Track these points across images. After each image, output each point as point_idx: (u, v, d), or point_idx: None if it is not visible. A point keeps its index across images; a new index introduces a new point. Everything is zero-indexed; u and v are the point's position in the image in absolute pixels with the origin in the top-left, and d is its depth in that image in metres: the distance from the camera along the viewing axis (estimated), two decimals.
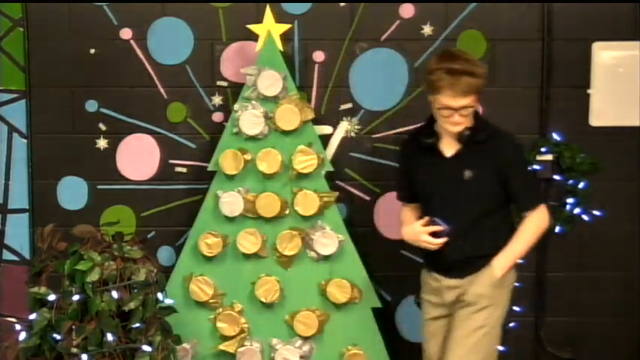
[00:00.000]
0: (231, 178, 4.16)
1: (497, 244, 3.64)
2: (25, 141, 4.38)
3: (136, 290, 3.87)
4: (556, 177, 4.30)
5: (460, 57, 3.56)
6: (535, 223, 3.65)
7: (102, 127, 4.34)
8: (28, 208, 4.41)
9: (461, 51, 3.70)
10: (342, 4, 4.30)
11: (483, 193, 3.61)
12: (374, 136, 4.37)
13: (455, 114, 3.52)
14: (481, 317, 3.62)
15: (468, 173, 3.59)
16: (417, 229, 3.65)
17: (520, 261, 3.73)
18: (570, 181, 4.32)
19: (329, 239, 4.14)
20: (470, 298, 3.62)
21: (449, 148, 3.63)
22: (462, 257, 3.61)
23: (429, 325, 3.79)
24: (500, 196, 3.62)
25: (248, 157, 4.14)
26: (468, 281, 3.64)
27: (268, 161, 4.12)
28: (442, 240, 3.59)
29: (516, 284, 4.32)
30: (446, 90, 3.49)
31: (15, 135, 4.37)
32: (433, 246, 3.61)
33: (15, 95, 4.35)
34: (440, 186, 3.63)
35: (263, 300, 4.15)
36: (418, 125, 3.79)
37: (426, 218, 3.63)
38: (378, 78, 4.33)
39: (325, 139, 4.32)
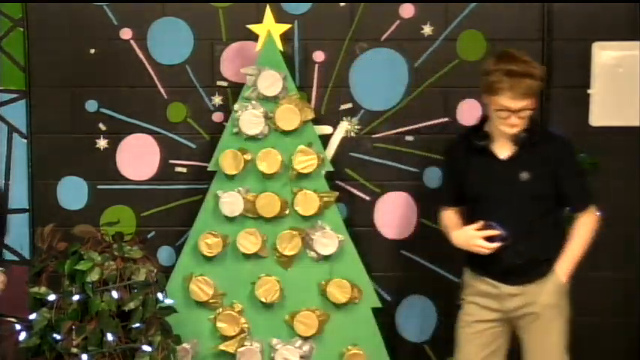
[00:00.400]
0: (231, 178, 4.16)
1: (553, 247, 3.63)
2: (25, 141, 4.37)
3: (136, 290, 3.87)
4: None
5: (519, 58, 3.54)
6: (589, 224, 3.66)
7: (102, 127, 4.34)
8: (28, 208, 4.41)
9: (518, 52, 3.63)
10: (342, 4, 4.30)
11: (539, 195, 3.59)
12: (374, 136, 4.37)
13: (512, 116, 3.50)
14: (557, 329, 3.62)
15: (524, 175, 3.57)
16: (470, 234, 3.61)
17: None
18: None
19: (329, 239, 4.14)
20: (539, 310, 3.61)
21: (503, 149, 3.61)
22: (520, 261, 3.58)
23: (472, 326, 3.71)
24: (554, 198, 3.62)
25: (248, 157, 4.14)
26: (532, 290, 3.61)
27: (268, 161, 4.12)
28: (496, 245, 3.55)
29: None
30: (506, 92, 3.46)
31: (15, 135, 4.37)
32: (486, 251, 3.56)
33: (15, 95, 4.35)
34: (493, 188, 3.61)
35: (263, 300, 4.15)
36: (467, 127, 3.78)
37: (481, 222, 3.59)
38: (378, 78, 4.33)
39: (325, 139, 4.32)
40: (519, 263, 3.59)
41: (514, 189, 3.58)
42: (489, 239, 3.57)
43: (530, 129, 3.58)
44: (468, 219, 3.71)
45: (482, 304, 3.70)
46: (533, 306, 3.62)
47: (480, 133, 3.65)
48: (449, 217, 3.82)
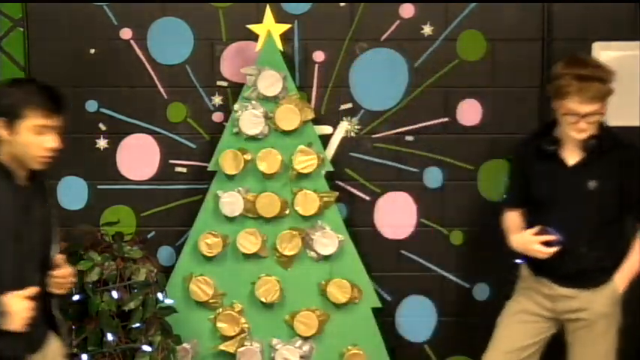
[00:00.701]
0: (231, 178, 4.16)
1: (614, 257, 3.60)
2: None
3: (136, 290, 3.87)
4: None
5: (589, 63, 3.52)
6: None
7: (102, 127, 4.34)
8: None
9: (588, 57, 3.60)
10: (342, 4, 4.30)
11: (606, 204, 3.55)
12: (374, 136, 4.37)
13: (581, 120, 3.46)
14: (608, 339, 3.60)
15: (592, 184, 3.53)
16: (527, 238, 3.57)
17: None
18: None
19: (329, 239, 4.14)
20: (592, 317, 3.58)
21: (571, 156, 3.57)
22: (581, 268, 3.55)
23: (519, 315, 3.68)
24: (620, 207, 3.58)
25: (248, 157, 4.14)
26: (587, 296, 3.58)
27: (268, 161, 4.12)
28: (553, 249, 3.52)
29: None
30: (573, 95, 3.42)
31: None
32: (543, 255, 3.53)
33: None
34: (559, 195, 3.56)
35: (263, 300, 4.15)
36: (535, 130, 3.74)
37: (538, 227, 3.56)
38: (378, 78, 4.33)
39: (325, 139, 4.32)
40: (578, 270, 3.56)
41: (580, 197, 3.54)
42: (547, 244, 3.53)
43: (600, 136, 3.53)
44: (531, 222, 3.65)
45: (534, 299, 3.67)
46: (586, 312, 3.59)
47: (549, 137, 3.60)
48: (512, 218, 3.76)
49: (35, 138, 3.05)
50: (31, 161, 3.09)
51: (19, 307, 2.95)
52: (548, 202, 3.60)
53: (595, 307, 3.59)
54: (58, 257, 3.19)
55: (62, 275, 3.17)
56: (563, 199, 3.57)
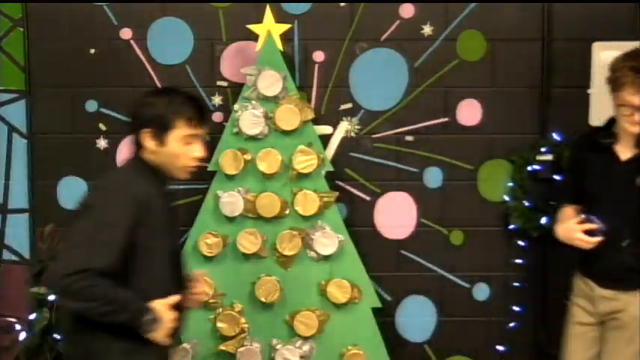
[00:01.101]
0: (231, 178, 4.16)
1: None
2: (25, 141, 4.37)
3: None
4: (556, 177, 4.29)
5: None
6: None
7: (102, 127, 4.34)
8: (28, 208, 4.41)
9: None
10: (342, 4, 4.30)
11: None
12: (374, 136, 4.37)
13: (636, 113, 3.44)
14: (637, 342, 3.56)
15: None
16: (571, 227, 3.53)
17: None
18: None
19: (329, 239, 4.14)
20: (625, 318, 3.55)
21: (625, 151, 3.55)
22: (620, 264, 3.53)
23: (575, 328, 3.69)
24: None
25: (248, 157, 4.14)
26: (625, 298, 3.55)
27: (268, 161, 4.12)
28: (596, 239, 3.48)
29: (517, 284, 4.34)
30: (628, 87, 3.42)
31: (15, 135, 4.37)
32: (586, 245, 3.50)
33: (15, 95, 4.35)
34: (609, 189, 3.54)
35: (263, 300, 4.15)
36: (594, 126, 3.73)
37: (582, 216, 3.53)
38: (378, 78, 4.33)
39: (325, 139, 4.32)
40: (618, 267, 3.53)
41: (629, 193, 3.52)
42: (591, 233, 3.49)
43: None
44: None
45: (581, 305, 3.67)
46: (622, 314, 3.57)
47: (606, 131, 3.59)
48: (565, 214, 3.70)
49: (184, 148, 3.02)
50: (178, 171, 3.07)
51: (168, 316, 2.88)
52: (596, 196, 3.57)
53: (630, 309, 3.56)
54: (199, 272, 3.18)
55: (199, 292, 3.16)
56: (610, 195, 3.54)
